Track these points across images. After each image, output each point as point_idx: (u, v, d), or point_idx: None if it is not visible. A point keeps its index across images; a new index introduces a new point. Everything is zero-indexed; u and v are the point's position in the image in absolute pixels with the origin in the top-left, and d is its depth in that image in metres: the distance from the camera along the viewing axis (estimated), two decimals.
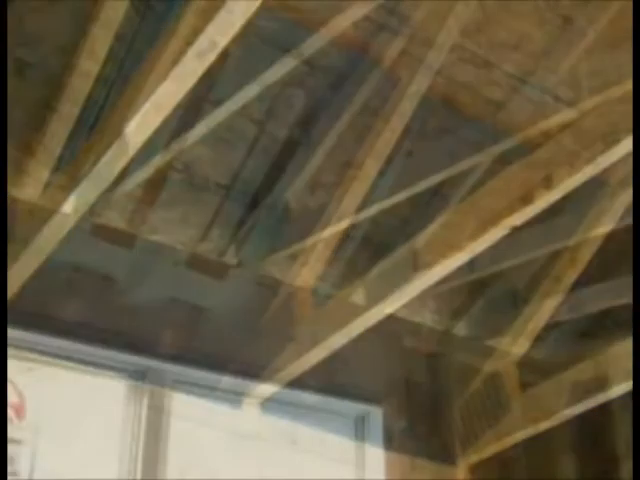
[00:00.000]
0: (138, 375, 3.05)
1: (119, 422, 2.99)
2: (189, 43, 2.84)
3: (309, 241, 3.23)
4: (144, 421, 2.97)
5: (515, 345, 4.53)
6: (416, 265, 3.67)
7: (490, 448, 4.17)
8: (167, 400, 3.08)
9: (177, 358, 3.07)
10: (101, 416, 2.99)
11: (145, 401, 3.01)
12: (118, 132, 2.86)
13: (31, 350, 2.81)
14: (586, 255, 4.22)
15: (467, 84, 3.40)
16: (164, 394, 3.07)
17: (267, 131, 3.24)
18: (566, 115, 2.32)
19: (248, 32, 2.90)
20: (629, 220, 3.36)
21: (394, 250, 3.76)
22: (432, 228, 3.71)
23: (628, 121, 2.39)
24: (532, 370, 4.48)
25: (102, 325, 2.91)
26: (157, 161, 2.72)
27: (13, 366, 2.60)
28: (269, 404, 3.44)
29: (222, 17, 2.18)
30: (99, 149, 2.93)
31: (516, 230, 3.77)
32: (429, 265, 3.67)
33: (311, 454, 3.55)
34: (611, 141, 2.61)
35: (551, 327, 4.52)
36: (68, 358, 2.90)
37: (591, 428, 4.40)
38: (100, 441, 2.94)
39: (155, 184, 3.16)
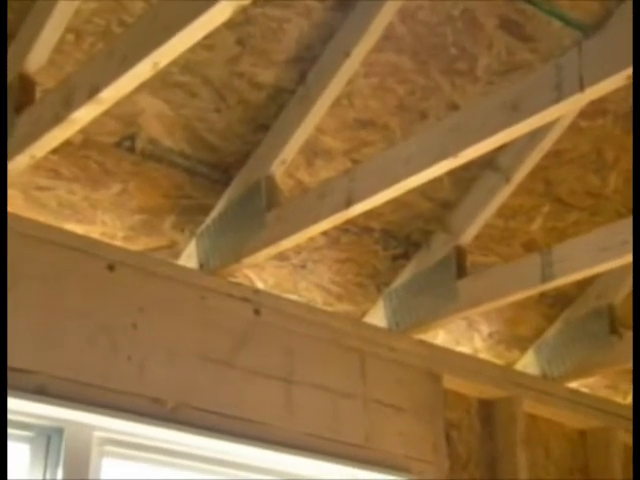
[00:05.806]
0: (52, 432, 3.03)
1: None
2: None
3: (305, 235, 3.17)
4: None
5: (613, 390, 4.41)
6: (461, 270, 3.58)
7: None
8: (93, 467, 3.04)
9: (107, 407, 3.01)
10: None
11: (60, 470, 2.96)
12: (20, 71, 2.87)
13: None
14: None
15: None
16: (88, 458, 3.03)
17: (244, 73, 3.20)
18: None
19: None
20: None
21: (429, 248, 3.67)
22: (483, 216, 3.61)
23: None
24: None
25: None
26: (80, 116, 2.62)
27: None
28: (248, 474, 3.41)
29: None
30: None
31: (610, 216, 3.65)
32: (480, 269, 3.58)
33: None
34: None
35: None
36: None
37: None
38: None
39: (78, 150, 3.12)
